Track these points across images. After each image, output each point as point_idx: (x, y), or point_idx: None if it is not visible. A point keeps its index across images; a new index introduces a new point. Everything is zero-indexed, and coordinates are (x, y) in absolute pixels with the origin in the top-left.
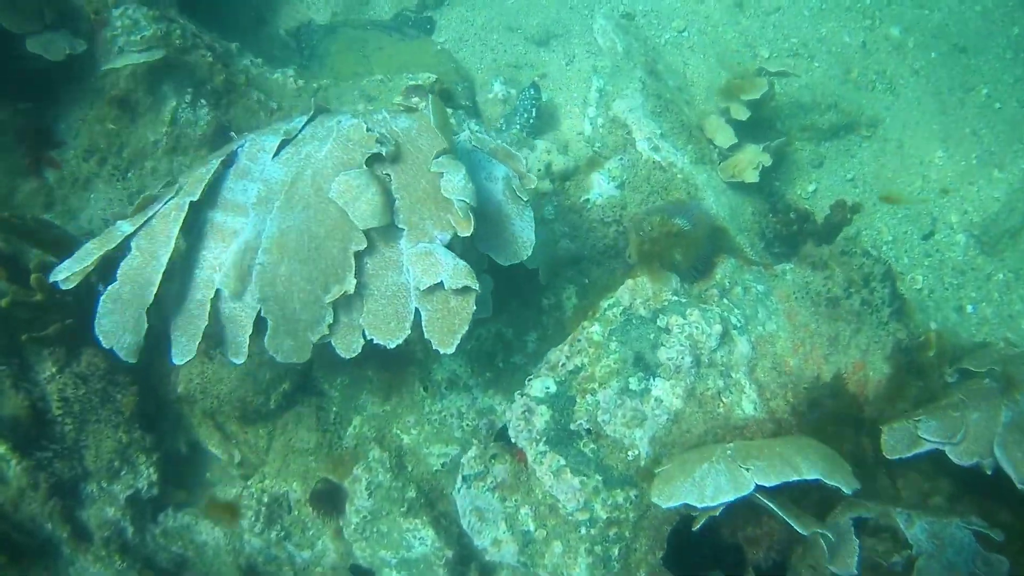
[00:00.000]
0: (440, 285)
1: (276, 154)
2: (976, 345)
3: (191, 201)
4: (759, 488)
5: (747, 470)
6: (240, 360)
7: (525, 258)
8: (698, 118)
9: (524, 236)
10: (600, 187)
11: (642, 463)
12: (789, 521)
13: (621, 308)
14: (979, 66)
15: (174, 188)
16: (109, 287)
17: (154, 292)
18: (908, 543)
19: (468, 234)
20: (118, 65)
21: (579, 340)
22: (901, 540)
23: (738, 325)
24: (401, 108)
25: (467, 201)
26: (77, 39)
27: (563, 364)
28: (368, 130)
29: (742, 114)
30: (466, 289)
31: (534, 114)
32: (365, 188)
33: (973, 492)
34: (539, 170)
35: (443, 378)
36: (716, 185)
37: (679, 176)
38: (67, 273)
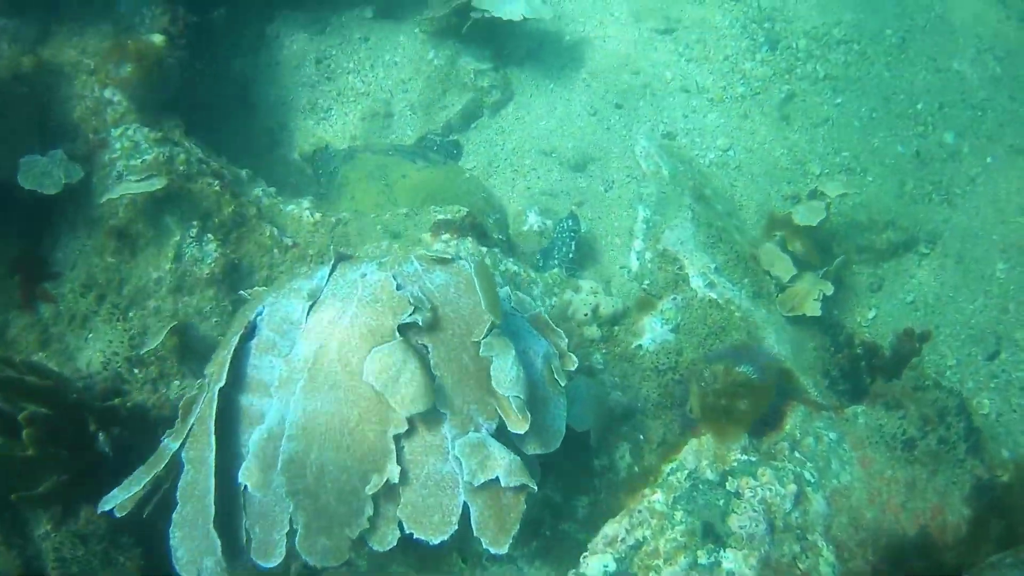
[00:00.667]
0: (494, 480)
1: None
2: None
3: (219, 388)
4: None
5: None
6: (273, 563)
7: (554, 450)
8: (751, 246)
9: (556, 426)
10: (653, 331)
11: None
12: None
13: (686, 472)
14: None
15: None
16: (173, 513)
17: (213, 501)
18: None
19: (522, 432)
20: (115, 195)
21: (639, 511)
22: None
23: (812, 481)
24: (435, 259)
25: (521, 397)
26: (74, 164)
27: (622, 538)
28: (398, 287)
29: (799, 245)
30: (522, 486)
31: (573, 248)
32: (403, 366)
33: None
34: (585, 315)
35: (484, 549)
36: (776, 322)
37: (737, 314)
38: (117, 502)
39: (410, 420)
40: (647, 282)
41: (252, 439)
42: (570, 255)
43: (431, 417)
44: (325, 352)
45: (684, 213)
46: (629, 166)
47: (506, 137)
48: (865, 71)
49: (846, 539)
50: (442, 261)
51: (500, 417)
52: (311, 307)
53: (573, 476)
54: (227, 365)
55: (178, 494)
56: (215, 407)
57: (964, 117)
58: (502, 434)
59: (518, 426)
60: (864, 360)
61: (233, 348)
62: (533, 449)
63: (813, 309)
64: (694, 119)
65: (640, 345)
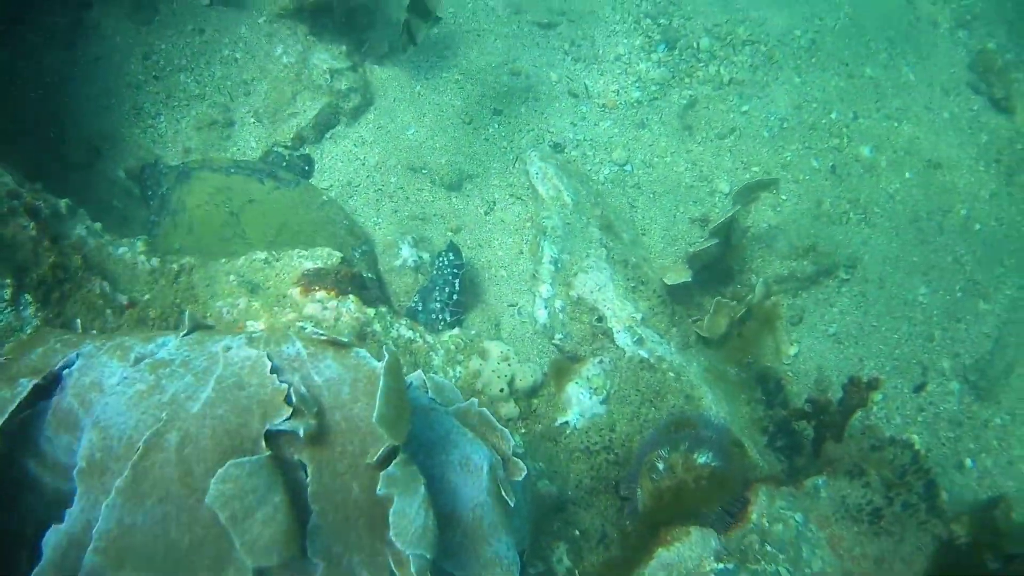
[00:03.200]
0: None
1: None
2: (1016, 529)
3: None
4: None
5: None
6: None
7: None
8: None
9: (507, 559)
10: (581, 404)
11: None
12: None
13: None
14: (954, 183)
15: None
16: None
17: None
18: None
19: None
20: None
21: None
22: None
23: None
24: (325, 343)
25: (428, 556)
26: None
27: None
28: (273, 370)
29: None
30: None
31: (457, 287)
32: (263, 498)
33: None
34: (501, 389)
35: None
36: (709, 376)
37: (671, 374)
38: None
39: (260, 571)
40: (559, 336)
41: (49, 541)
42: (454, 296)
43: (295, 568)
44: (159, 445)
45: (596, 250)
46: (512, 184)
47: (367, 150)
48: (773, 75)
49: None
50: (335, 346)
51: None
52: (149, 374)
53: None
54: (5, 413)
55: None
56: None
57: (880, 128)
58: None
59: None
60: (815, 418)
61: (19, 400)
62: None
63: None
64: (584, 128)
65: (566, 422)
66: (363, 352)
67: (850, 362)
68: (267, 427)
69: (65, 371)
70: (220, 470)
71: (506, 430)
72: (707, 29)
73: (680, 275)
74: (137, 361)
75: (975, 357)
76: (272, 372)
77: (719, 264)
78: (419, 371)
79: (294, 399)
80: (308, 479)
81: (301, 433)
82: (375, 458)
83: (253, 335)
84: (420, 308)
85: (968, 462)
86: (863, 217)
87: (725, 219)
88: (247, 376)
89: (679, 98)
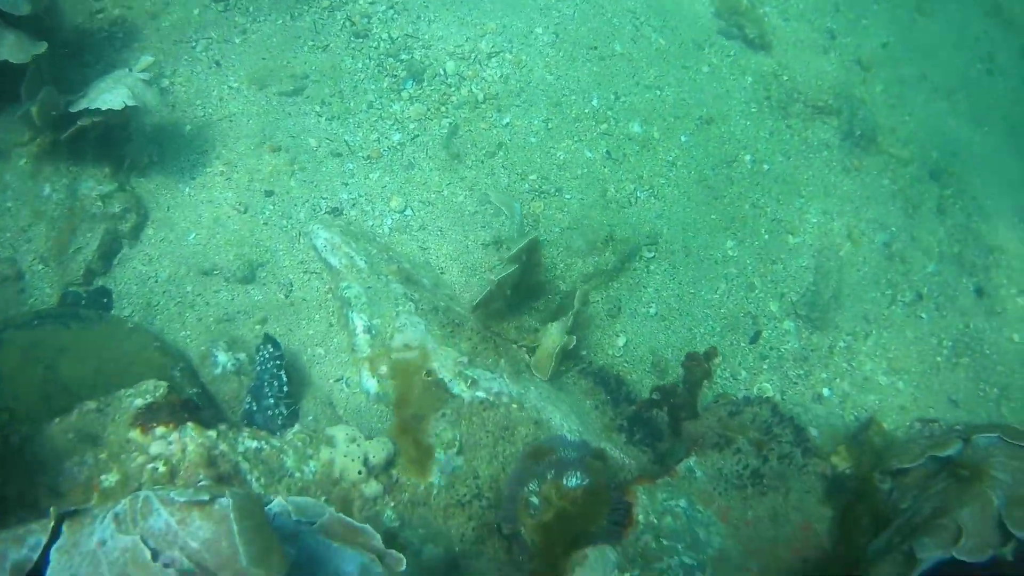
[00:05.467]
0: None
1: None
2: (893, 442)
3: None
4: None
5: None
6: None
7: None
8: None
9: None
10: (439, 463)
11: None
12: None
13: None
14: (731, 133)
15: None
16: None
17: None
18: None
19: None
20: None
21: None
22: None
23: (695, 564)
24: (188, 505)
25: None
26: None
27: None
28: (155, 556)
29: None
30: None
31: (284, 378)
32: None
33: None
34: (360, 472)
35: None
36: (550, 396)
37: (513, 406)
38: None
39: None
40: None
41: None
42: (284, 387)
43: None
44: None
45: (404, 306)
46: (303, 260)
47: (156, 266)
48: (525, 81)
49: None
50: (198, 505)
51: None
52: None
53: None
54: None
55: None
56: None
57: (643, 101)
58: None
59: None
60: (665, 405)
61: None
62: None
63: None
64: (356, 185)
65: (431, 483)
66: (224, 500)
67: (680, 335)
68: None
69: None
70: None
71: (367, 526)
72: (450, 53)
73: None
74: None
75: (800, 292)
76: (154, 558)
77: (526, 282)
78: (279, 497)
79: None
80: None
81: None
82: None
83: (118, 514)
84: (255, 408)
85: (825, 392)
86: (651, 192)
87: (521, 246)
88: (132, 571)
89: (439, 128)
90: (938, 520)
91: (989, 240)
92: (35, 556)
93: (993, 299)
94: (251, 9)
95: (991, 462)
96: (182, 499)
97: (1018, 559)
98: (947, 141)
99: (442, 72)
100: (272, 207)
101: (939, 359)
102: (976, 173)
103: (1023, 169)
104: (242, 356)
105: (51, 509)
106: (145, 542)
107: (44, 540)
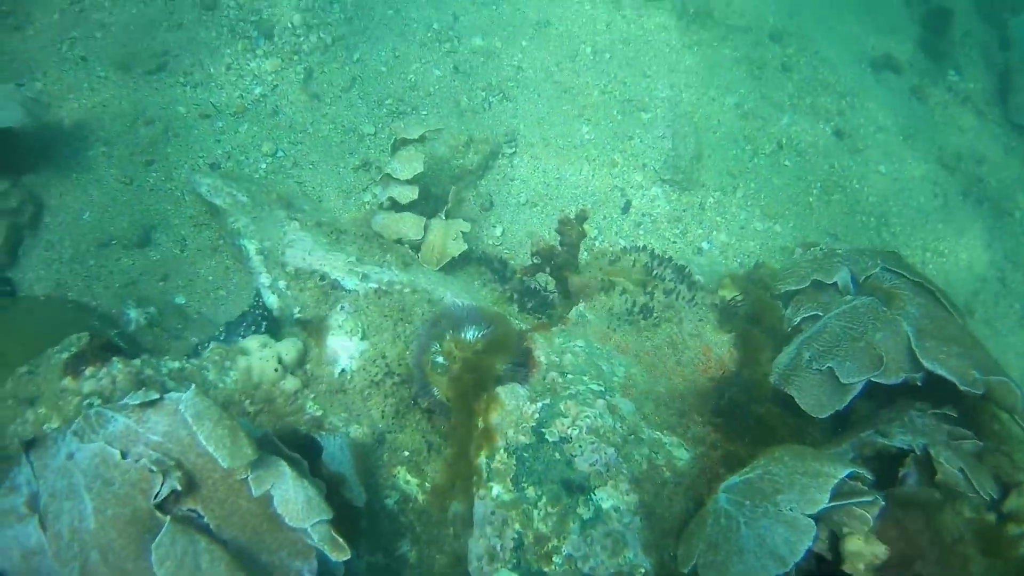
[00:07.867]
0: None
1: None
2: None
3: None
4: None
5: None
6: None
7: None
8: (361, 227)
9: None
10: (346, 349)
11: None
12: None
13: (504, 451)
14: (569, 30)
15: None
16: None
17: None
18: None
19: (347, 558)
20: None
21: (490, 511)
22: None
23: (602, 389)
24: (141, 406)
25: (327, 519)
26: None
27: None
28: (123, 455)
29: (408, 196)
30: None
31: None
32: (195, 551)
33: None
34: (276, 370)
35: None
36: (441, 280)
37: (406, 291)
38: None
39: None
40: (298, 309)
41: None
42: (221, 336)
43: None
44: (93, 571)
45: (289, 225)
46: (192, 215)
47: (59, 249)
48: (368, 18)
49: (667, 419)
50: (151, 404)
51: (317, 549)
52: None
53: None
54: None
55: None
56: None
57: (482, 16)
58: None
59: (340, 553)
60: (547, 267)
61: None
62: None
63: (458, 247)
64: (228, 139)
65: (343, 370)
66: (173, 394)
67: (553, 217)
68: (153, 500)
69: None
70: (153, 556)
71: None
72: (294, 6)
73: (416, 228)
74: (30, 506)
75: (661, 160)
76: (123, 457)
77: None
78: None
79: (153, 467)
80: (205, 519)
81: (178, 487)
82: (244, 472)
83: (76, 431)
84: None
85: (705, 245)
86: (502, 96)
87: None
88: (106, 471)
89: (296, 75)
90: (856, 343)
91: (839, 87)
92: (31, 487)
93: (854, 138)
94: (106, 4)
95: (900, 294)
96: (135, 402)
97: (925, 385)
98: (782, 4)
99: (290, 24)
100: (154, 175)
101: (811, 199)
102: (815, 30)
103: (861, 20)
104: (152, 310)
105: (14, 441)
106: (112, 445)
107: (27, 471)
